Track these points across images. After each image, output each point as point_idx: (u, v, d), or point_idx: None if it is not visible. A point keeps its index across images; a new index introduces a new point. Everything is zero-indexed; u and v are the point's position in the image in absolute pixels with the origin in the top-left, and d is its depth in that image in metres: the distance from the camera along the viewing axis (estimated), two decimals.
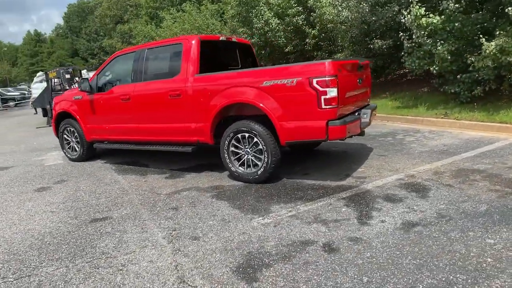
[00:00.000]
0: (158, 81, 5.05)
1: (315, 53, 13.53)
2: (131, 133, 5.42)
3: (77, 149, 6.56)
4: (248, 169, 4.50)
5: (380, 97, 10.39)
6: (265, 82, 4.12)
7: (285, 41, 13.03)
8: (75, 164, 6.54)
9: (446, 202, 3.54)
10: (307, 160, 5.60)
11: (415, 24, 7.78)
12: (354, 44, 11.38)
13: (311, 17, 12.45)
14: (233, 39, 5.87)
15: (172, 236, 3.31)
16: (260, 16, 12.77)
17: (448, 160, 4.99)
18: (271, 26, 12.59)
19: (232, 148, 4.55)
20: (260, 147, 4.32)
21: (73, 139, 6.52)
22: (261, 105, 4.18)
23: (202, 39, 4.99)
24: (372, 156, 5.51)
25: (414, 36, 8.15)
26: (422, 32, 7.83)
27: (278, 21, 12.69)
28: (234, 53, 5.97)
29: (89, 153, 6.55)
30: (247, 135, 4.38)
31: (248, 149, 4.46)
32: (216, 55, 5.66)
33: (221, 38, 5.54)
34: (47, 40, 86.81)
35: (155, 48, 5.32)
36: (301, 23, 12.58)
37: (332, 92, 3.83)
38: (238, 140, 4.49)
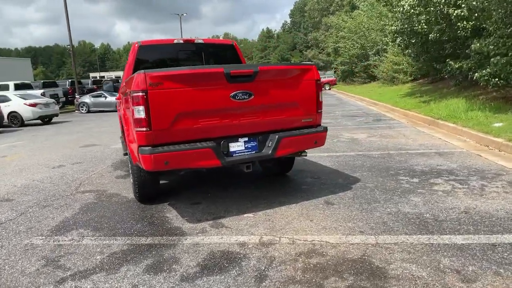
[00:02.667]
0: None
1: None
2: None
3: None
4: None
5: None
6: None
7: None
8: None
9: None
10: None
11: None
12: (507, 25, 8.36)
13: None
14: (197, 41, 5.20)
15: None
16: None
17: None
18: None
19: None
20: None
21: None
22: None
23: (142, 44, 4.84)
24: None
25: None
26: None
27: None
28: (196, 56, 5.31)
29: None
30: None
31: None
32: (166, 60, 5.23)
33: (175, 41, 5.06)
34: (275, 36, 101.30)
35: None
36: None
37: (139, 112, 3.05)
38: None
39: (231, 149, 3.40)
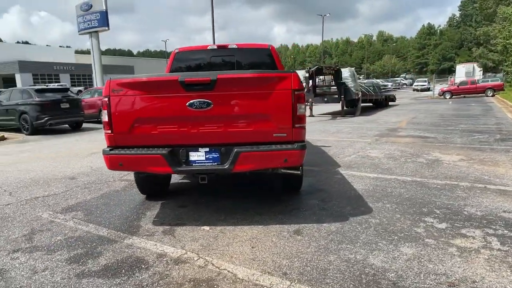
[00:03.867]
0: None
1: None
2: None
3: None
4: None
5: None
6: None
7: None
8: None
9: None
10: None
11: None
12: None
13: None
14: (230, 46, 5.12)
15: None
16: None
17: None
18: None
19: None
20: None
21: None
22: None
23: (179, 51, 5.20)
24: None
25: None
26: None
27: None
28: (229, 61, 5.30)
29: None
30: None
31: None
32: (201, 65, 5.33)
33: (209, 47, 5.20)
34: (437, 33, 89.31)
35: None
36: None
37: (105, 116, 3.31)
38: None
39: (191, 158, 3.32)
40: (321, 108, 18.73)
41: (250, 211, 3.80)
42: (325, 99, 16.46)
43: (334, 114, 15.87)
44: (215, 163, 3.32)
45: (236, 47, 5.11)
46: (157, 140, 3.31)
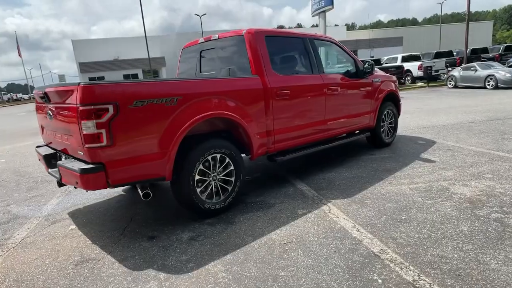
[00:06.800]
0: None
1: None
2: None
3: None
4: None
5: None
6: None
7: None
8: None
9: None
10: None
11: None
12: None
13: None
14: (213, 37, 4.50)
15: None
16: None
17: None
18: None
19: None
20: None
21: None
22: None
23: (183, 48, 5.11)
24: None
25: None
26: None
27: None
28: (213, 54, 4.66)
29: None
30: None
31: None
32: (195, 61, 4.94)
33: (199, 41, 4.78)
34: None
35: None
36: None
37: None
38: None
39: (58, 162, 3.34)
40: None
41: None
42: None
43: None
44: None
45: (217, 37, 4.50)
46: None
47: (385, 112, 5.99)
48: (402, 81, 21.92)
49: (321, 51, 5.17)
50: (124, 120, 2.82)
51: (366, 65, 5.31)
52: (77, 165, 2.86)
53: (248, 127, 3.75)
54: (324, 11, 24.70)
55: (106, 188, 2.89)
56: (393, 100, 6.26)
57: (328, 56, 5.68)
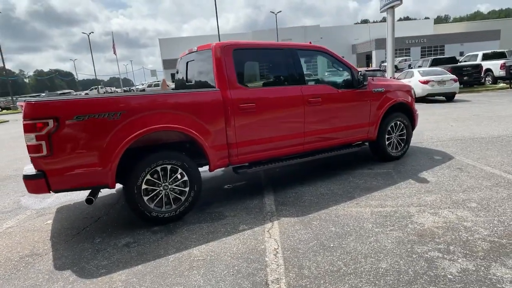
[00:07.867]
0: None
1: None
2: None
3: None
4: None
5: None
6: None
7: None
8: None
9: None
10: None
11: None
12: None
13: None
14: (193, 50, 4.68)
15: None
16: None
17: None
18: None
19: None
20: None
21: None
22: None
23: (180, 57, 5.20)
24: None
25: None
26: None
27: None
28: (193, 67, 4.84)
29: None
30: None
31: None
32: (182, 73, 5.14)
33: (187, 52, 4.91)
34: None
35: None
36: None
37: None
38: None
39: None
40: None
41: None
42: None
43: None
44: None
45: (196, 50, 4.65)
46: None
47: (392, 124, 5.50)
48: (482, 81, 19.49)
49: (307, 61, 4.96)
50: (64, 133, 3.16)
51: (358, 75, 4.94)
52: (25, 171, 3.32)
53: (203, 139, 3.83)
54: (392, 7, 23.37)
55: (49, 193, 3.28)
56: (405, 111, 5.71)
57: (318, 66, 5.42)
